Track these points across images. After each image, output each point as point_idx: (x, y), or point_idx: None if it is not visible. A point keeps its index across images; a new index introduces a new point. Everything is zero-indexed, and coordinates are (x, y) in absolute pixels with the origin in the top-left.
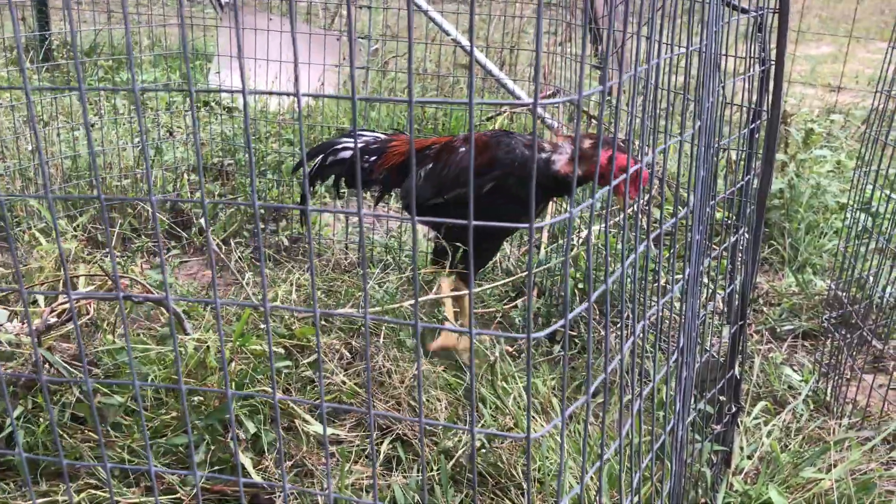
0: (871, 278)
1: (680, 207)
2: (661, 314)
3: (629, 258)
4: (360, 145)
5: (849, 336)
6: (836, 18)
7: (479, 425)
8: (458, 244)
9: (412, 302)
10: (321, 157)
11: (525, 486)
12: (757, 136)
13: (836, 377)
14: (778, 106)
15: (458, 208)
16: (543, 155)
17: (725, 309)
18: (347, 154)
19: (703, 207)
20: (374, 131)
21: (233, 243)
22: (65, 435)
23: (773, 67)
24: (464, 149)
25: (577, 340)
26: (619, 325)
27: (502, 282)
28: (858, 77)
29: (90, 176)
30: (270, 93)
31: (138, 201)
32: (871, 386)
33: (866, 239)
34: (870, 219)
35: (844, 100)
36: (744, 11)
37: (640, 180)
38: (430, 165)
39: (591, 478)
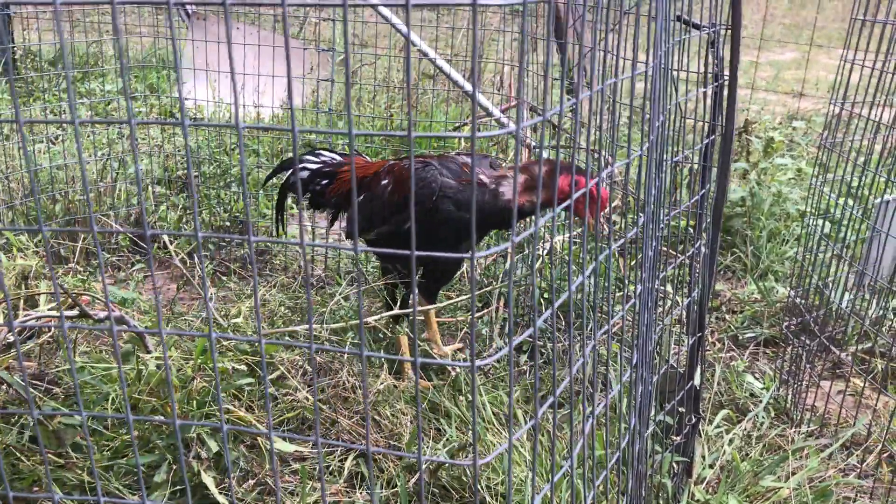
0: (830, 285)
1: (632, 224)
2: (611, 337)
3: (576, 281)
4: (316, 167)
5: (808, 343)
6: (799, 25)
7: (444, 441)
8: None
9: (375, 318)
10: (287, 173)
11: None
12: (713, 149)
13: (796, 384)
14: (732, 120)
15: (390, 242)
16: (489, 187)
17: (685, 319)
18: (305, 175)
19: (654, 223)
20: (332, 151)
21: (197, 257)
22: (23, 458)
23: (726, 82)
24: (385, 181)
25: (542, 351)
26: (577, 339)
27: (465, 297)
28: (819, 84)
29: (52, 189)
30: (212, 125)
31: (185, 236)
32: (828, 393)
33: (825, 246)
34: (828, 226)
35: (806, 106)
36: (696, 27)
37: (600, 203)
38: (362, 196)
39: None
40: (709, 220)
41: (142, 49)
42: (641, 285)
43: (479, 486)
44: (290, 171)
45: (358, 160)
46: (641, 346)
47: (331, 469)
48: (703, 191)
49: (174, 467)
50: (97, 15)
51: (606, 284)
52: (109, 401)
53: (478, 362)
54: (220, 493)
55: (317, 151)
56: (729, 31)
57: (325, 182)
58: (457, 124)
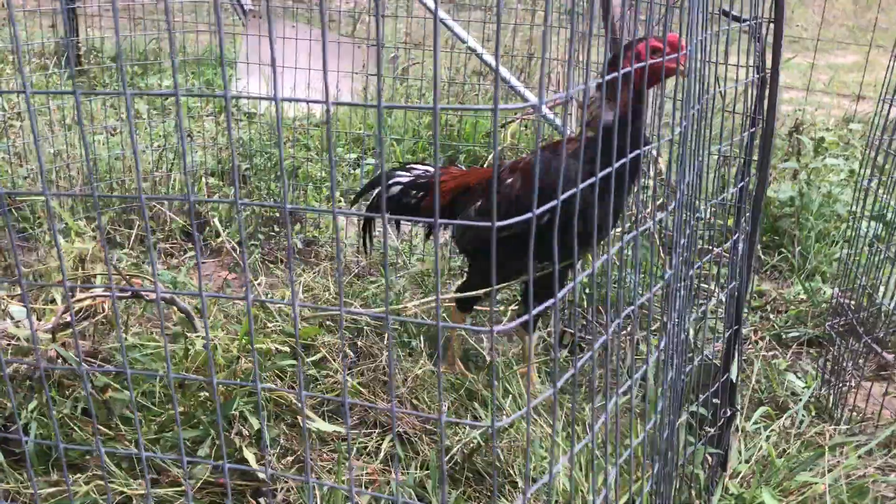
0: (878, 286)
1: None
2: (637, 317)
3: (601, 258)
4: (409, 179)
5: (853, 343)
6: (863, 28)
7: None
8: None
9: (416, 303)
10: (376, 191)
11: (493, 478)
12: (753, 142)
13: (839, 384)
14: (773, 113)
15: (514, 242)
16: (593, 127)
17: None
18: (397, 189)
19: (689, 210)
20: (424, 163)
21: (248, 244)
22: (76, 428)
23: (768, 75)
24: (510, 179)
25: (584, 345)
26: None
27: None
28: (879, 86)
29: (110, 178)
30: (302, 100)
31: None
32: (868, 392)
33: (873, 247)
34: (877, 226)
35: (865, 109)
36: (736, 20)
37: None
38: (480, 203)
39: (572, 469)
40: (748, 214)
41: (198, 46)
42: (671, 270)
43: (513, 469)
44: (377, 192)
45: (452, 170)
46: (671, 331)
47: (368, 450)
48: (742, 183)
49: (217, 442)
50: (157, 14)
51: (634, 266)
52: (157, 378)
53: (496, 328)
54: (261, 469)
55: (408, 166)
56: (772, 25)
57: (420, 194)
58: (507, 120)
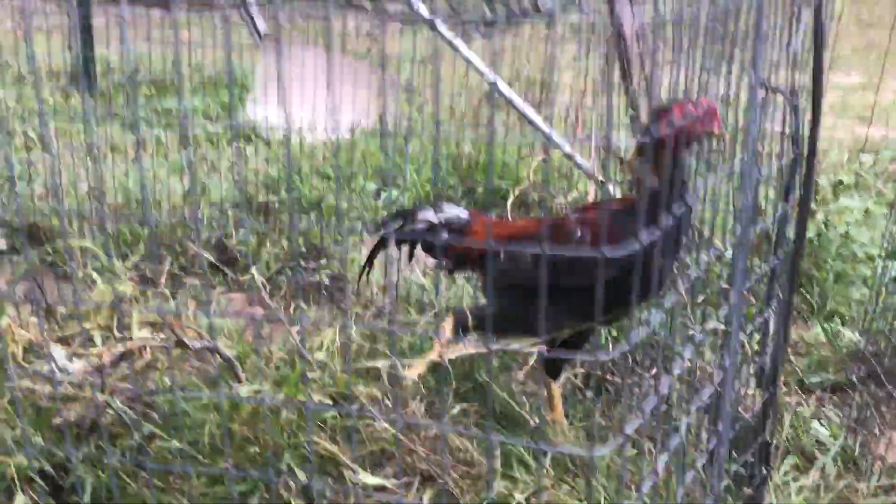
0: None
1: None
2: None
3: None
4: (440, 221)
5: (879, 391)
6: (869, 47)
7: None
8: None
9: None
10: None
11: None
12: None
13: (864, 434)
14: (810, 187)
15: (575, 294)
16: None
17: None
18: (423, 227)
19: (742, 281)
20: (458, 205)
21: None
22: (126, 479)
23: (803, 157)
24: (580, 233)
25: (609, 387)
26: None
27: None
28: (889, 110)
29: (140, 213)
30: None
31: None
32: None
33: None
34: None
35: (873, 134)
36: (775, 92)
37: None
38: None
39: None
40: (784, 279)
41: (215, 64)
42: (731, 337)
43: None
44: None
45: (483, 219)
46: (726, 393)
47: (409, 501)
48: (779, 261)
49: (266, 496)
50: (167, 29)
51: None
52: (206, 429)
53: (595, 452)
54: None
55: (439, 203)
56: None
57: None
58: (524, 155)
